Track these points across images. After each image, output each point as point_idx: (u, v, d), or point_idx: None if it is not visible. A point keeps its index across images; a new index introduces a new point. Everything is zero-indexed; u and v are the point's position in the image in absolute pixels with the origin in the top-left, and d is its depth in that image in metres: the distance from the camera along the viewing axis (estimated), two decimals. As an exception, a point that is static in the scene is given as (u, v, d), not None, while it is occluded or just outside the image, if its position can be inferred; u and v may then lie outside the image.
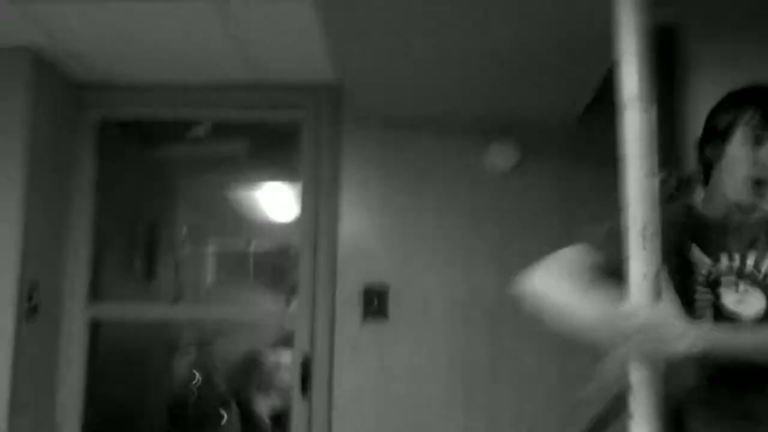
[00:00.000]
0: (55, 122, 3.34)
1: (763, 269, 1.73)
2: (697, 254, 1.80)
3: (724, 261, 1.77)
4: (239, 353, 6.41)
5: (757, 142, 1.70)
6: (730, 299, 1.74)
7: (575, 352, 3.11)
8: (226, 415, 5.32)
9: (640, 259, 1.67)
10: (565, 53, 2.66)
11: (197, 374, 5.23)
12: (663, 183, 1.76)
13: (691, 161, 2.33)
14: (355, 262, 3.34)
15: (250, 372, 6.23)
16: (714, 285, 1.76)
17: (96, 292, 3.49)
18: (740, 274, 1.75)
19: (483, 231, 3.32)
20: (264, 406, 6.06)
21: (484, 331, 3.25)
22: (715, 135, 1.79)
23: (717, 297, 1.75)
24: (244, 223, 6.82)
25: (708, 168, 1.83)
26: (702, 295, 1.78)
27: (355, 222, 3.38)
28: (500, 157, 3.33)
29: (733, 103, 1.78)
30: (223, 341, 5.98)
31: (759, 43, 2.36)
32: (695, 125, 2.31)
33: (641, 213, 1.69)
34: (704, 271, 1.78)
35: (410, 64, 2.78)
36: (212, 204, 6.15)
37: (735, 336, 1.64)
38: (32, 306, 3.10)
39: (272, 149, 4.59)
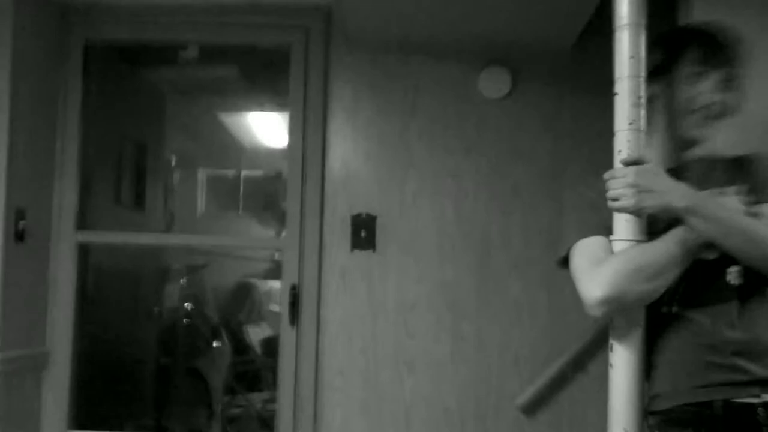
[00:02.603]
0: (41, 45, 3.25)
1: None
2: None
3: None
4: (230, 282, 6.46)
5: (698, 79, 1.77)
6: None
7: (563, 282, 3.11)
8: (216, 343, 5.38)
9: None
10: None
11: (188, 302, 5.27)
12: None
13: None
14: (343, 190, 3.30)
15: (241, 301, 6.28)
16: None
17: (84, 222, 3.45)
18: None
19: (473, 159, 3.27)
20: (254, 334, 6.13)
21: (472, 261, 3.23)
22: (652, 75, 1.77)
23: None
24: (233, 149, 6.78)
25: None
26: None
27: (344, 149, 3.32)
28: (493, 83, 3.26)
29: (668, 45, 1.83)
30: (214, 269, 6.00)
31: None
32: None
33: (626, 142, 1.66)
34: None
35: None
36: (202, 129, 6.11)
37: (721, 208, 1.64)
38: (20, 231, 3.08)
39: (264, 74, 4.52)
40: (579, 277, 1.69)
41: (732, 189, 1.71)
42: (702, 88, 1.76)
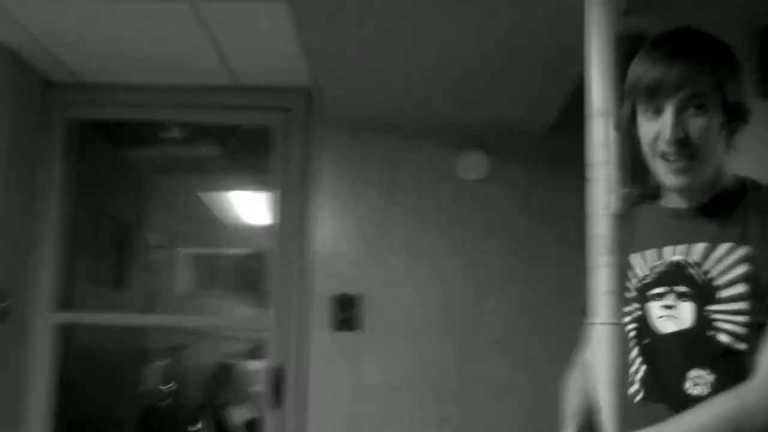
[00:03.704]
0: (22, 120, 3.25)
1: (707, 266, 1.43)
2: (635, 260, 1.58)
3: (655, 261, 1.53)
4: (212, 362, 6.37)
5: (651, 117, 1.48)
6: (655, 313, 1.50)
7: (546, 363, 3.09)
8: (199, 425, 5.27)
9: (602, 275, 1.65)
10: (537, 61, 2.64)
11: (169, 383, 5.18)
12: (627, 196, 1.73)
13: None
14: (326, 270, 3.29)
15: (224, 381, 6.18)
16: (644, 295, 1.53)
17: (66, 300, 3.41)
18: (672, 278, 1.48)
19: (454, 238, 3.28)
20: (238, 415, 6.01)
21: (455, 341, 3.22)
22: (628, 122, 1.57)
23: (644, 312, 1.52)
24: (216, 227, 6.78)
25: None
26: (632, 314, 1.55)
27: (327, 229, 3.33)
28: (471, 163, 3.30)
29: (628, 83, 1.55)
30: (196, 349, 5.93)
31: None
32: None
33: (603, 228, 1.67)
34: (636, 280, 1.56)
35: (383, 67, 2.74)
36: (185, 207, 6.11)
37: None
38: (2, 311, 3.03)
39: (246, 153, 4.56)
40: None
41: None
42: (656, 126, 1.46)
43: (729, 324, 1.38)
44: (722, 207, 1.48)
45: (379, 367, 3.23)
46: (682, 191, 1.50)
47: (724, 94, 1.43)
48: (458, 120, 3.22)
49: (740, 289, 1.38)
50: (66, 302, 3.44)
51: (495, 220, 3.28)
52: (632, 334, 1.54)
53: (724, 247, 1.42)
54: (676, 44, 1.47)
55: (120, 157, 4.27)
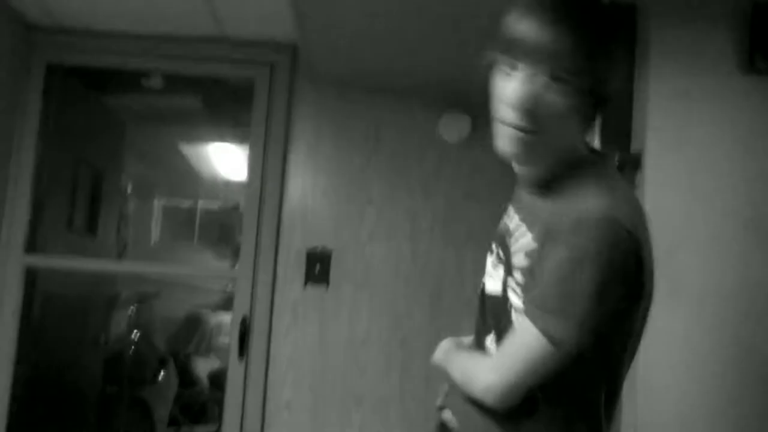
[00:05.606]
0: (4, 64, 3.22)
1: (511, 240, 1.42)
2: (509, 209, 1.59)
3: (505, 218, 1.55)
4: (180, 313, 6.40)
5: (509, 73, 1.36)
6: (487, 268, 1.53)
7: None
8: (163, 373, 5.31)
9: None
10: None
11: (136, 330, 5.20)
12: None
13: (641, 142, 2.35)
14: (299, 225, 3.31)
15: (191, 332, 6.23)
16: (490, 246, 1.56)
17: (34, 246, 3.39)
18: (500, 240, 1.49)
19: (431, 200, 3.31)
20: (203, 366, 6.07)
21: (425, 300, 3.26)
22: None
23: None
24: (192, 179, 6.79)
25: None
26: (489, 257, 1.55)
27: (303, 184, 3.35)
28: (453, 126, 3.32)
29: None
30: (165, 299, 5.95)
31: (719, 27, 2.35)
32: (653, 106, 2.33)
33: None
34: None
35: (370, 25, 2.73)
36: (161, 158, 6.09)
37: (453, 357, 1.57)
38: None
39: (227, 107, 4.54)
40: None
41: None
42: (505, 91, 1.35)
43: (515, 301, 1.37)
44: (548, 188, 1.42)
45: (347, 321, 3.26)
46: (515, 159, 1.43)
47: (592, 80, 1.31)
48: (443, 83, 3.21)
49: (519, 276, 1.36)
50: (36, 246, 3.42)
51: (476, 184, 3.30)
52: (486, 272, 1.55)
53: (522, 230, 1.41)
54: (567, 13, 1.31)
55: (99, 103, 4.23)
